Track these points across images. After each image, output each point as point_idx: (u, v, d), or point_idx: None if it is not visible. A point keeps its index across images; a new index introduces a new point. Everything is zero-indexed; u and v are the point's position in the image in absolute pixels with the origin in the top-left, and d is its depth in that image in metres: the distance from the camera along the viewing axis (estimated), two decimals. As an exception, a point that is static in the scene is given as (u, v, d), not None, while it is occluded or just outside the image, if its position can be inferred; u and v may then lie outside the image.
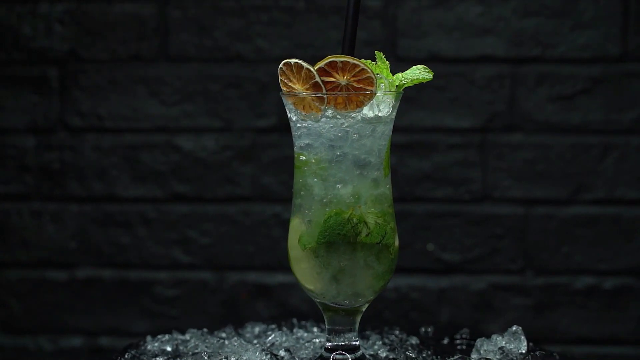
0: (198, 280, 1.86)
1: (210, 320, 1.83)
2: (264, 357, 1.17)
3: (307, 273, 1.17)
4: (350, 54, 1.17)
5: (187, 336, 1.29)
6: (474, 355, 1.24)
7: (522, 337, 1.26)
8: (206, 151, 1.84)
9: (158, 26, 1.83)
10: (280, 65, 1.14)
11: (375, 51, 1.16)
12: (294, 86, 1.14)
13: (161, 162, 1.84)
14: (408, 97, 1.80)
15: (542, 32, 1.78)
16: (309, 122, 1.15)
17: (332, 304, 1.18)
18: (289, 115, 1.18)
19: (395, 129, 1.80)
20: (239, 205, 1.84)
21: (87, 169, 1.85)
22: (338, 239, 1.15)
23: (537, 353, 1.24)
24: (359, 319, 1.21)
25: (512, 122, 1.80)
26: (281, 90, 1.17)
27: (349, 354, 1.19)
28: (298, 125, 1.17)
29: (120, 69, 1.84)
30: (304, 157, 1.17)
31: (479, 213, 1.81)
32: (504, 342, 1.25)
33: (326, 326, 1.21)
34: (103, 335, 1.87)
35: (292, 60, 1.14)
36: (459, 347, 1.32)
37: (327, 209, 1.15)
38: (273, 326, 1.35)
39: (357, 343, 1.20)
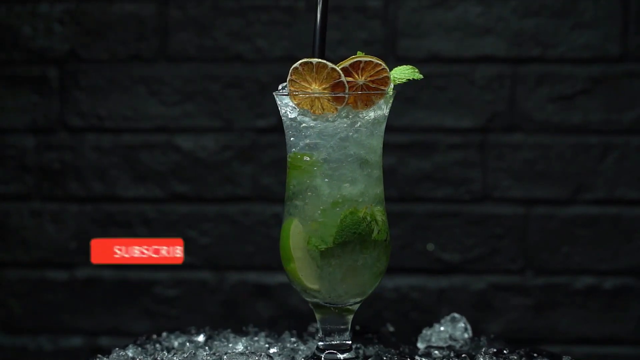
0: (198, 280, 1.86)
1: (210, 321, 1.83)
2: None
3: (314, 274, 1.17)
4: (321, 55, 1.16)
5: (129, 352, 1.26)
6: (420, 345, 1.26)
7: (462, 324, 1.28)
8: (206, 151, 1.83)
9: (158, 26, 1.83)
10: (296, 64, 1.13)
11: (358, 51, 1.16)
12: (309, 86, 1.14)
13: (161, 162, 1.84)
14: (408, 97, 1.80)
15: (542, 32, 1.78)
16: (319, 122, 1.15)
17: (325, 304, 1.18)
18: (290, 116, 1.18)
19: (396, 129, 1.81)
20: (239, 205, 1.84)
21: (87, 169, 1.85)
22: (353, 238, 1.15)
23: (492, 336, 1.27)
24: (351, 318, 1.21)
25: (512, 122, 1.80)
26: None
27: (341, 353, 1.19)
28: (303, 125, 1.16)
29: (120, 69, 1.83)
30: (308, 158, 1.17)
31: (479, 213, 1.81)
32: (449, 331, 1.28)
33: (319, 326, 1.21)
34: (103, 335, 1.87)
35: (314, 60, 1.12)
36: (372, 338, 1.33)
37: (337, 209, 1.15)
38: (200, 337, 1.33)
39: (350, 342, 1.20)
